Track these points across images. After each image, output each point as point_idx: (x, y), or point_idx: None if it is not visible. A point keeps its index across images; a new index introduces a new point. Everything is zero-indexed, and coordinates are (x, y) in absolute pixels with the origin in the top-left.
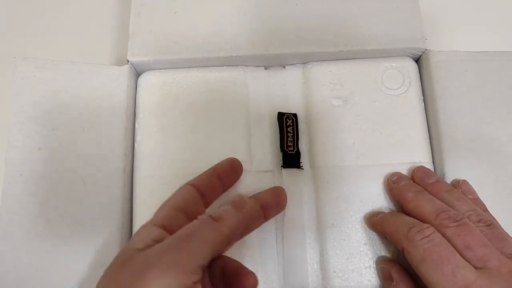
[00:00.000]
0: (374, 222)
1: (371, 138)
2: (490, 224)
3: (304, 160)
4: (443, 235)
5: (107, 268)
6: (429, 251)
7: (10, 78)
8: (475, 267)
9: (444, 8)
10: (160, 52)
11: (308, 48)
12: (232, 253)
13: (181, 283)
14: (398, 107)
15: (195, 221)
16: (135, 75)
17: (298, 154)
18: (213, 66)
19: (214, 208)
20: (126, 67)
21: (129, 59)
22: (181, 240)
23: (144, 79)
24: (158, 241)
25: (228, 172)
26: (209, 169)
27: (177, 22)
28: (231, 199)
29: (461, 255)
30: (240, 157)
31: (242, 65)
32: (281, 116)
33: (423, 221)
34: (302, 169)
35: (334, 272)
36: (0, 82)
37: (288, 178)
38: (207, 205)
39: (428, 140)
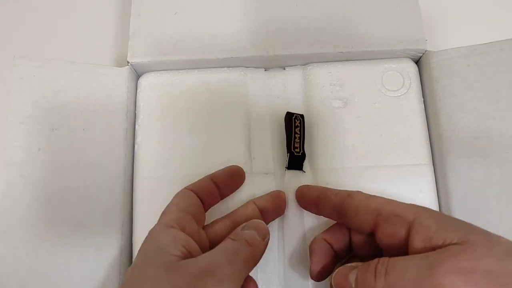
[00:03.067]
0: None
1: (371, 139)
2: None
3: (304, 162)
4: None
5: (137, 271)
6: None
7: (10, 77)
8: None
9: (444, 7)
10: (160, 53)
11: (308, 49)
12: None
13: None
14: (398, 108)
15: (233, 241)
16: (135, 77)
17: (303, 156)
18: (213, 67)
19: (213, 215)
20: (126, 68)
21: (129, 60)
22: (230, 256)
23: (144, 81)
24: (186, 247)
25: (227, 181)
26: (207, 176)
27: (177, 23)
28: (255, 225)
29: None
30: (240, 159)
31: (242, 67)
32: (290, 116)
33: None
34: (304, 172)
35: None
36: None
37: (288, 180)
38: (205, 211)
39: (428, 142)
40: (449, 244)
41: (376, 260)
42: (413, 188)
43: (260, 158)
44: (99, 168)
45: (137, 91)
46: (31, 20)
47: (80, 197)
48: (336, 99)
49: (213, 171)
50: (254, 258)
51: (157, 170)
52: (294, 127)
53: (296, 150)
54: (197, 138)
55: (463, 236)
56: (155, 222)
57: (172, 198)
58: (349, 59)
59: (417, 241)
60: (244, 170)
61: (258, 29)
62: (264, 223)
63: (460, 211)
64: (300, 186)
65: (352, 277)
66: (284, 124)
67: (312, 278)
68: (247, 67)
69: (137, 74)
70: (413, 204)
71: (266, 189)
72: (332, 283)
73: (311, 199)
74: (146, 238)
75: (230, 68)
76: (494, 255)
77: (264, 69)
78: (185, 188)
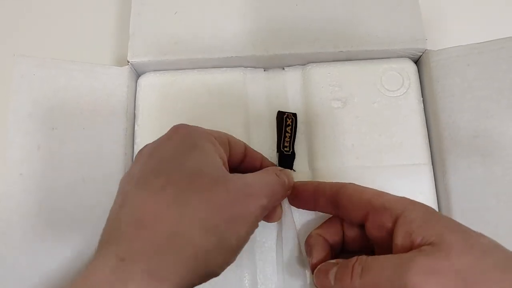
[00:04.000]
0: None
1: (370, 139)
2: None
3: (303, 161)
4: None
5: (193, 177)
6: None
7: (10, 75)
8: None
9: (444, 7)
10: (160, 52)
11: (307, 49)
12: None
13: (266, 211)
14: (398, 108)
15: (277, 178)
16: (135, 76)
17: (293, 155)
18: (213, 67)
19: None
20: (126, 68)
21: (129, 60)
22: (272, 191)
23: (144, 80)
24: (222, 158)
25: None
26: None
27: (177, 23)
28: (287, 173)
29: None
30: None
31: (242, 67)
32: (281, 115)
33: None
34: (294, 171)
35: None
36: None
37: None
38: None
39: (427, 142)
40: (425, 243)
41: (354, 258)
42: (412, 187)
43: None
44: (99, 167)
45: (137, 91)
46: (31, 19)
47: (79, 195)
48: (335, 99)
49: None
50: (281, 199)
51: None
52: (285, 126)
53: (285, 149)
54: None
55: (442, 235)
56: None
57: None
58: (348, 59)
59: (399, 235)
60: None
61: (257, 29)
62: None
63: (460, 211)
64: (296, 182)
65: (332, 274)
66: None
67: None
68: (246, 67)
69: (137, 73)
70: (405, 198)
71: None
72: (314, 280)
73: (308, 193)
74: (189, 132)
75: (230, 68)
76: (469, 254)
77: (263, 69)
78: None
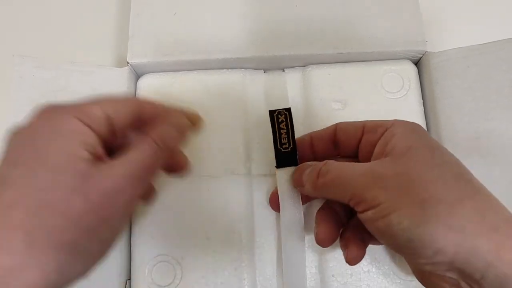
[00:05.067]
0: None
1: None
2: None
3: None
4: None
5: (46, 174)
6: None
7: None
8: None
9: (444, 8)
10: (160, 53)
11: (307, 50)
12: (229, 256)
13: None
14: (398, 110)
15: (152, 148)
16: (135, 77)
17: (293, 150)
18: (213, 68)
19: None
20: (125, 69)
21: (129, 61)
22: (144, 172)
23: (143, 82)
24: (93, 146)
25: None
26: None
27: (177, 24)
28: (175, 122)
29: None
30: (239, 161)
31: (241, 68)
32: (272, 114)
33: None
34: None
35: (332, 276)
36: None
37: (282, 179)
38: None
39: None
40: (391, 153)
41: (325, 161)
42: None
43: (259, 160)
44: None
45: (136, 92)
46: (30, 20)
47: None
48: (336, 100)
49: (212, 173)
50: (164, 161)
51: None
52: (278, 123)
53: (284, 146)
54: (196, 140)
55: (410, 148)
56: (155, 227)
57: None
58: (348, 61)
59: (378, 145)
60: (243, 172)
61: (257, 30)
62: (198, 115)
63: None
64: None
65: (305, 174)
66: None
67: (319, 244)
68: (246, 68)
69: (137, 74)
70: (396, 119)
71: (265, 191)
72: (294, 178)
73: (306, 144)
74: (48, 122)
75: (229, 70)
76: (423, 163)
77: (263, 71)
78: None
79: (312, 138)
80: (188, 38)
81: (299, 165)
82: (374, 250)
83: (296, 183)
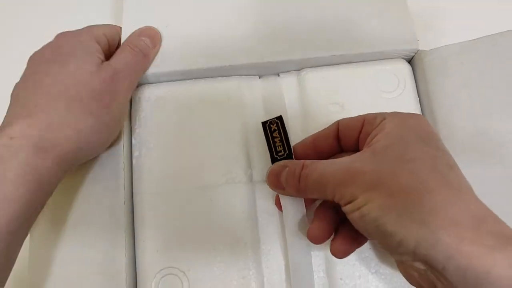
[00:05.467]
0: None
1: None
2: None
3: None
4: None
5: (77, 58)
6: None
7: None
8: None
9: (435, 5)
10: (153, 65)
11: (301, 54)
12: (236, 266)
13: (133, 85)
14: (395, 109)
15: (132, 52)
16: None
17: (289, 156)
18: (208, 77)
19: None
20: None
21: None
22: (131, 68)
23: (138, 93)
24: (101, 56)
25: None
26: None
27: (169, 34)
28: (149, 32)
29: None
30: (240, 169)
31: (236, 75)
32: (265, 125)
33: None
34: None
35: (341, 279)
36: None
37: None
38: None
39: None
40: (373, 146)
41: (301, 165)
42: None
43: (259, 166)
44: (97, 182)
45: (132, 105)
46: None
47: (81, 214)
48: (333, 103)
49: (213, 183)
50: (147, 66)
51: (156, 185)
52: (271, 132)
53: (280, 154)
54: (195, 150)
55: (392, 142)
56: (159, 240)
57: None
58: (342, 62)
59: (370, 136)
60: (245, 180)
61: (250, 36)
62: (157, 31)
63: None
64: (295, 144)
65: (283, 177)
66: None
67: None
68: (241, 75)
69: None
70: (395, 111)
71: (267, 197)
72: (267, 181)
73: (308, 145)
74: (68, 38)
75: (225, 77)
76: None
77: (258, 77)
78: (114, 25)
79: (314, 139)
80: (181, 48)
81: (270, 168)
82: (381, 251)
83: (273, 186)
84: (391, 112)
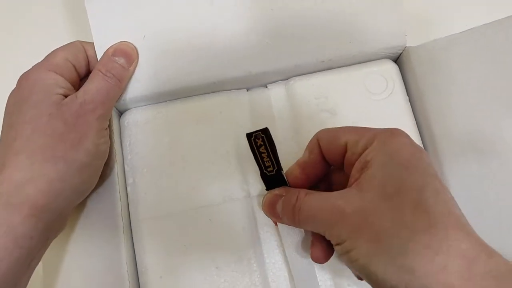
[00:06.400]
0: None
1: None
2: None
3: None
4: None
5: (31, 109)
6: None
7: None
8: None
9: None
10: (139, 88)
11: (287, 62)
12: (242, 283)
13: (107, 116)
14: (386, 111)
15: (105, 78)
16: (117, 115)
17: (278, 171)
18: (195, 95)
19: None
20: None
21: None
22: (104, 97)
23: (126, 118)
24: (66, 88)
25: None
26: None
27: (147, 47)
28: (124, 50)
29: None
30: (236, 185)
31: (224, 90)
32: (249, 138)
33: None
34: (289, 186)
35: (348, 286)
36: None
37: None
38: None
39: (420, 139)
40: (357, 182)
41: (295, 197)
42: None
43: (255, 180)
44: (94, 212)
45: (121, 131)
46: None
47: (82, 245)
48: (324, 110)
49: (210, 202)
50: (122, 90)
51: (153, 210)
52: (257, 147)
53: (269, 169)
54: (189, 171)
55: (374, 176)
56: (162, 263)
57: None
58: (330, 68)
59: (354, 168)
60: (242, 195)
61: (234, 49)
62: (132, 47)
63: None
64: (287, 172)
65: (279, 207)
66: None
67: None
68: (229, 90)
69: (119, 112)
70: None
71: None
72: (263, 209)
73: (297, 175)
74: (27, 80)
75: (213, 94)
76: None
77: (246, 90)
78: (78, 41)
79: (302, 168)
80: (163, 65)
81: (265, 196)
82: None
83: (270, 215)
84: (374, 135)
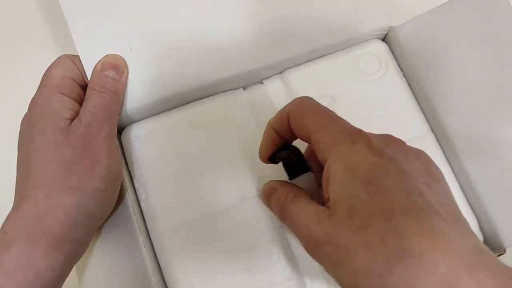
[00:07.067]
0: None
1: (369, 125)
2: None
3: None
4: None
5: (38, 136)
6: None
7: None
8: None
9: None
10: (133, 101)
11: (279, 56)
12: (275, 280)
13: (113, 132)
14: (383, 89)
15: (101, 94)
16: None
17: (300, 157)
18: (192, 100)
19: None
20: None
21: None
22: (106, 114)
23: (127, 134)
24: (74, 109)
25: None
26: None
27: (136, 59)
28: (111, 62)
29: None
30: (250, 183)
31: (221, 92)
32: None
33: None
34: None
35: None
36: None
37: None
38: None
39: (421, 111)
40: (328, 203)
41: (284, 197)
42: None
43: (269, 176)
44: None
45: (124, 148)
46: None
47: (107, 266)
48: (323, 96)
49: (229, 204)
50: (120, 102)
51: (173, 223)
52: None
53: (290, 156)
54: (201, 178)
55: (338, 198)
56: (191, 275)
57: None
58: (321, 56)
59: (323, 180)
60: (253, 194)
61: (223, 50)
62: (119, 57)
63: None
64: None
65: (273, 201)
66: None
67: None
68: (225, 91)
69: (118, 130)
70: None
71: None
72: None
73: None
74: (35, 106)
75: (210, 97)
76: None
77: (243, 89)
78: (65, 55)
79: (273, 126)
80: (154, 75)
81: (263, 188)
82: None
83: (266, 204)
84: (333, 142)
